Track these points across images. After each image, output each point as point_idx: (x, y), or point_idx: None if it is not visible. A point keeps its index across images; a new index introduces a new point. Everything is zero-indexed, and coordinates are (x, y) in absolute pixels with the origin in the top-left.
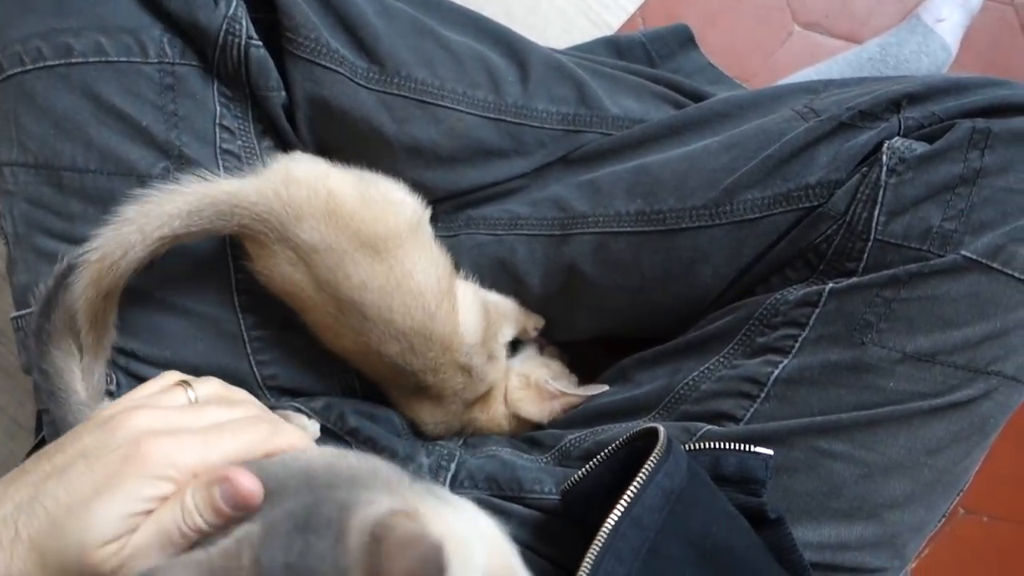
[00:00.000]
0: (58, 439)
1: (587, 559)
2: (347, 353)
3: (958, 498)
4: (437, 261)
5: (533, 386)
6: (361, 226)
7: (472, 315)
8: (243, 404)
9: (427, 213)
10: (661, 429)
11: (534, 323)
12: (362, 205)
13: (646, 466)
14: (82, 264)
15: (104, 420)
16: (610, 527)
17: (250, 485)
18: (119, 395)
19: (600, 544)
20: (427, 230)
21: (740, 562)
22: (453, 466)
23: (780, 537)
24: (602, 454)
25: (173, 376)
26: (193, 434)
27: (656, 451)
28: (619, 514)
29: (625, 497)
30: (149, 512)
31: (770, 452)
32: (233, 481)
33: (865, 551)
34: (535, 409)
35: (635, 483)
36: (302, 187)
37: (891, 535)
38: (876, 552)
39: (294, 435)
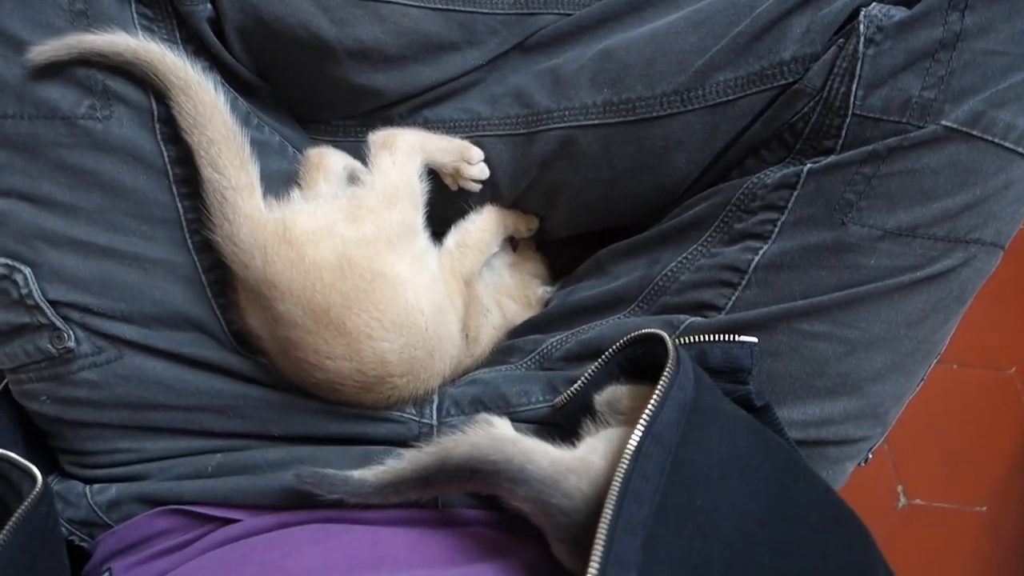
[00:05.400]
0: None
1: (615, 482)
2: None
3: (935, 361)
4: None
5: (529, 302)
6: None
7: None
8: None
9: None
10: (667, 338)
11: (527, 224)
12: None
13: (660, 383)
14: None
15: None
16: (633, 448)
17: None
18: (79, 351)
19: (626, 465)
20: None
21: (754, 456)
22: (436, 398)
23: (767, 422)
24: (596, 363)
25: None
26: None
27: (668, 366)
28: (640, 434)
29: (644, 416)
30: None
31: (755, 340)
32: None
33: (849, 423)
34: (529, 314)
35: (652, 401)
36: None
37: (873, 406)
38: (859, 423)
39: None
